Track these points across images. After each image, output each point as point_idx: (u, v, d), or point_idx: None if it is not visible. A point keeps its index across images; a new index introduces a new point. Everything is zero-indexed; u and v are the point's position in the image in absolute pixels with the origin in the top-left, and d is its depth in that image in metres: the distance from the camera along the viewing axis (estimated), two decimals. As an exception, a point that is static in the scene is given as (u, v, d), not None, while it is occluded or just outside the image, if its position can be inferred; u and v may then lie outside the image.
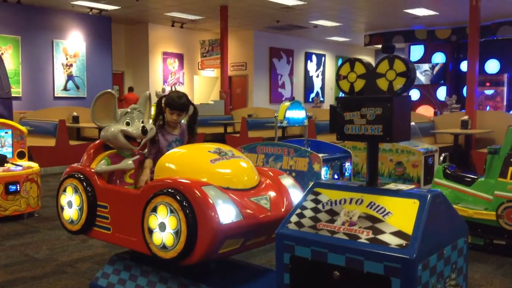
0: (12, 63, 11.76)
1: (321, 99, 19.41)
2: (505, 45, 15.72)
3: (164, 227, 2.54)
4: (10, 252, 4.38)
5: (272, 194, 2.81)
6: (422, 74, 17.23)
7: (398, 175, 7.03)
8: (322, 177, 5.62)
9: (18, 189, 5.40)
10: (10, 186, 5.35)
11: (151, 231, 2.60)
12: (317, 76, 20.32)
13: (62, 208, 3.15)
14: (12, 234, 4.94)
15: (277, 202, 2.78)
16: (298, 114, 6.24)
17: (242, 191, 2.71)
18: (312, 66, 19.99)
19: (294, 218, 2.25)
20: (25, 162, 5.80)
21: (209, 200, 2.47)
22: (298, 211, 2.28)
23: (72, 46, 13.03)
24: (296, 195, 2.90)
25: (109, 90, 3.09)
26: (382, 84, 2.18)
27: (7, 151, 5.75)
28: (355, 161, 6.27)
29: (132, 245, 2.82)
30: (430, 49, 17.86)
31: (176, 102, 3.24)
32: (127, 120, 3.09)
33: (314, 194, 2.32)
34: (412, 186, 2.25)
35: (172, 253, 2.51)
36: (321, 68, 20.46)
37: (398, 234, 1.96)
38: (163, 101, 3.34)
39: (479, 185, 4.47)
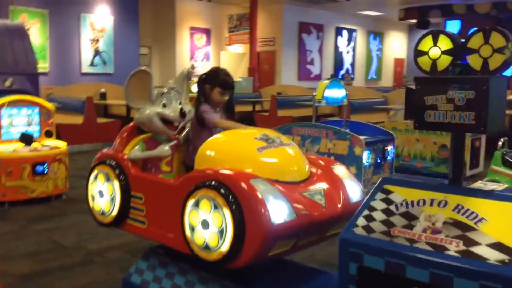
0: (39, 38, 11.55)
1: (352, 76, 18.82)
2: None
3: (207, 225, 2.24)
4: (37, 238, 4.17)
5: (326, 187, 2.48)
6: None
7: (441, 158, 6.61)
8: (364, 161, 5.26)
9: (46, 170, 5.18)
10: (37, 166, 5.14)
11: (192, 228, 2.30)
12: (348, 52, 19.68)
13: (93, 198, 2.87)
14: (39, 218, 4.74)
15: (333, 197, 2.44)
16: (338, 93, 5.85)
17: (293, 184, 2.37)
18: (342, 41, 19.35)
19: (361, 221, 1.91)
20: (52, 142, 5.58)
21: (259, 195, 2.15)
22: (366, 212, 1.94)
23: (99, 21, 12.74)
24: (352, 188, 2.56)
25: (144, 67, 2.77)
26: (474, 62, 1.80)
27: (34, 129, 5.53)
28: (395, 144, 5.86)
29: (169, 242, 2.53)
30: (467, 24, 17.05)
31: (228, 81, 2.93)
32: (164, 102, 2.78)
33: (384, 193, 1.97)
34: (505, 186, 1.88)
35: (216, 254, 2.21)
36: (352, 44, 19.80)
37: (498, 246, 1.61)
38: (203, 78, 3.02)
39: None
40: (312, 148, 5.45)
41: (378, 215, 1.89)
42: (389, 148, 5.62)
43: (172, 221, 2.44)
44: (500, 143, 4.39)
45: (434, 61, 1.89)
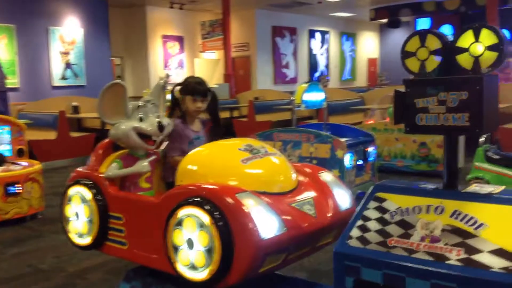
0: (7, 53, 11.26)
1: (327, 77, 18.87)
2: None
3: (192, 244, 2.12)
4: (12, 262, 3.98)
5: (314, 196, 2.38)
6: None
7: (422, 156, 6.60)
8: (346, 164, 5.19)
9: (19, 190, 4.98)
10: (9, 187, 4.92)
11: (176, 248, 2.18)
12: (321, 54, 19.73)
13: (68, 220, 2.72)
14: (15, 241, 4.53)
15: (322, 206, 2.35)
16: (317, 96, 5.79)
17: (281, 196, 2.28)
18: (316, 44, 19.39)
19: (355, 232, 1.82)
20: (25, 160, 5.37)
21: (246, 210, 2.04)
22: (359, 222, 1.85)
23: (68, 33, 12.48)
24: (341, 195, 2.47)
25: (118, 81, 2.64)
26: (465, 61, 1.73)
27: (5, 149, 5.32)
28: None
29: (153, 263, 2.40)
30: (437, 21, 17.27)
31: (199, 87, 2.83)
32: (140, 115, 2.65)
33: (377, 201, 1.88)
34: (502, 188, 1.81)
35: (204, 275, 2.09)
36: (325, 46, 19.86)
37: (500, 253, 1.53)
38: (176, 90, 2.92)
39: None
40: (294, 153, 5.37)
41: (373, 225, 1.80)
42: (370, 149, 5.57)
43: (155, 242, 2.31)
44: (482, 139, 4.37)
45: (422, 62, 1.82)
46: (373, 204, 1.88)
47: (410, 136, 6.65)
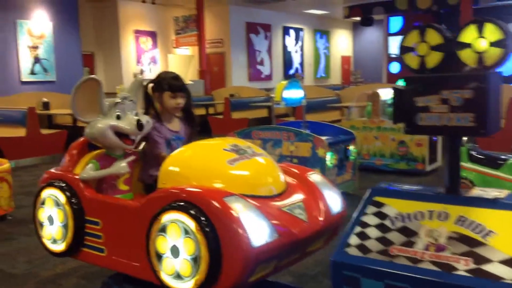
0: (-28, 47, 10.84)
1: (302, 75, 18.85)
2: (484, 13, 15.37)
3: (177, 252, 1.98)
4: (-20, 267, 3.75)
5: (305, 199, 2.27)
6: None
7: (401, 155, 6.57)
8: (328, 163, 5.11)
9: (-14, 191, 4.73)
10: (-24, 187, 4.67)
11: (159, 256, 2.04)
12: (296, 52, 19.68)
13: (41, 225, 2.54)
14: (-18, 244, 4.30)
15: (313, 210, 2.23)
16: (296, 93, 5.68)
17: (270, 199, 2.15)
18: (290, 41, 19.32)
19: (354, 240, 1.71)
20: (-8, 159, 5.11)
21: (235, 215, 1.91)
22: (358, 229, 1.74)
23: (37, 27, 12.08)
24: (332, 198, 2.35)
25: (93, 76, 2.47)
26: (468, 57, 1.64)
27: (-30, 147, 5.06)
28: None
29: (134, 272, 2.24)
30: (409, 20, 17.40)
31: (176, 83, 2.69)
32: (118, 113, 2.48)
33: (375, 206, 1.78)
34: (507, 192, 1.73)
35: (189, 284, 1.96)
36: (300, 43, 19.82)
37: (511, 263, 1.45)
38: (150, 87, 2.77)
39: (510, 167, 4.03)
40: (274, 152, 5.25)
41: (373, 232, 1.70)
42: (351, 147, 5.50)
43: (136, 249, 2.16)
44: (465, 138, 4.33)
45: (422, 58, 1.72)
46: (371, 209, 1.77)
47: (388, 134, 6.62)
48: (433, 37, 1.71)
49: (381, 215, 1.73)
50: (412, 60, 1.75)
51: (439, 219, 1.63)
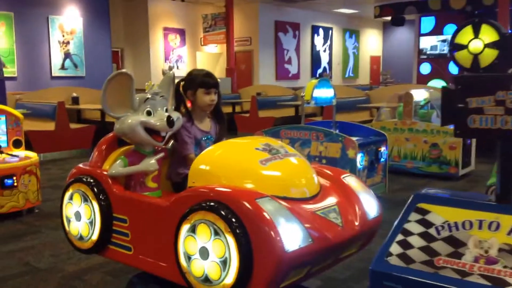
0: (5, 42, 11.00)
1: (329, 75, 18.66)
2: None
3: (207, 254, 1.90)
4: (7, 260, 3.75)
5: (340, 203, 2.17)
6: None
7: (433, 158, 6.39)
8: (358, 164, 4.98)
9: (15, 183, 4.75)
10: (5, 180, 4.69)
11: (188, 258, 1.97)
12: (324, 51, 19.48)
13: (69, 220, 2.50)
14: (10, 236, 4.31)
15: (348, 214, 2.14)
16: (326, 93, 5.56)
17: (303, 202, 2.06)
18: (319, 40, 19.13)
19: (395, 248, 1.61)
20: (22, 152, 5.14)
21: (268, 218, 1.83)
22: (400, 237, 1.63)
23: (68, 23, 12.22)
24: (368, 202, 2.26)
25: (124, 70, 2.41)
26: (525, 56, 1.51)
27: (1, 139, 5.09)
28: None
29: (161, 272, 2.18)
30: (441, 20, 17.04)
31: (210, 79, 2.63)
32: (148, 109, 2.42)
33: (419, 213, 1.67)
34: None
35: (219, 288, 1.88)
36: (328, 42, 19.61)
37: None
38: (181, 85, 2.70)
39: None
40: (303, 152, 5.15)
41: (416, 241, 1.59)
42: (383, 149, 5.36)
43: (164, 248, 2.10)
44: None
45: (475, 56, 1.60)
46: (414, 216, 1.66)
47: (421, 136, 6.44)
48: (488, 33, 1.58)
49: (425, 223, 1.62)
50: (464, 58, 1.63)
51: (489, 229, 1.52)
